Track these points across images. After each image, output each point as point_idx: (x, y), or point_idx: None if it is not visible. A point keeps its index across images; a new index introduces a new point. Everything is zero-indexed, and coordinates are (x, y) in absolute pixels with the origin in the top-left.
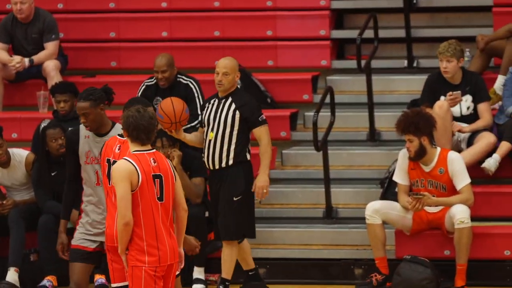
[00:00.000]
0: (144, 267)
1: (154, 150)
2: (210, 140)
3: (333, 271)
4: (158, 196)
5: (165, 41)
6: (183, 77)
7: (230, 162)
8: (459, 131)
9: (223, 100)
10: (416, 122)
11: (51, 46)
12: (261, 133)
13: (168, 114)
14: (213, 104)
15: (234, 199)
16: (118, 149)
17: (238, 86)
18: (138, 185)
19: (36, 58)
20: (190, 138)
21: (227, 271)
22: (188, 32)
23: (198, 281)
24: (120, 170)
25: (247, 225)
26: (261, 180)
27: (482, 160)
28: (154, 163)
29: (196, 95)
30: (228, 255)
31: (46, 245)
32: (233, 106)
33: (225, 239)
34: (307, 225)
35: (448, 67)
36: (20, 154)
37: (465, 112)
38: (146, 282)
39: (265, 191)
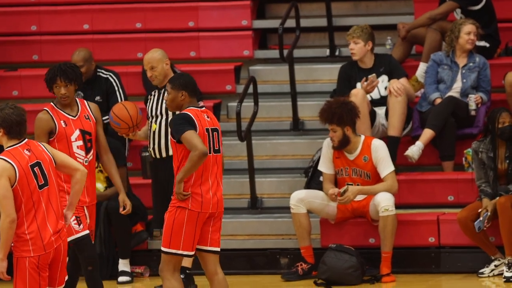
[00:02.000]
0: (29, 257)
1: (26, 140)
2: (154, 131)
3: (259, 261)
4: (42, 183)
5: (87, 33)
6: (103, 71)
7: (170, 152)
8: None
9: (163, 90)
10: (339, 113)
11: None
12: None
13: (124, 119)
14: (153, 96)
15: None
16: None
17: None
18: (16, 181)
19: None
20: (140, 134)
21: (188, 259)
22: (110, 24)
23: (124, 273)
24: None
25: None
26: None
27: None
28: (29, 152)
29: (116, 88)
30: None
31: None
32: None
33: None
34: (232, 216)
35: (354, 49)
36: None
37: (383, 93)
38: (30, 274)
39: None
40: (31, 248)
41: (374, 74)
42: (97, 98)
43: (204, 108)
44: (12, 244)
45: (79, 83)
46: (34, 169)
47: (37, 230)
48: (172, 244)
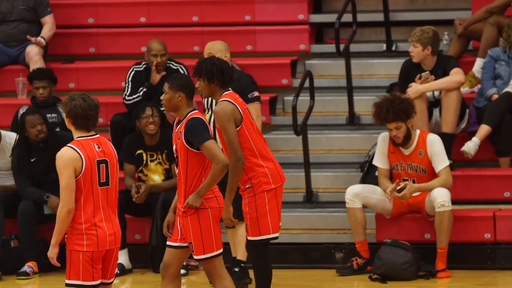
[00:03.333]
0: (82, 252)
1: (98, 135)
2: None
3: (313, 255)
4: (103, 181)
5: (144, 26)
6: (173, 62)
7: None
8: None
9: None
10: (404, 108)
11: (49, 19)
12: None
13: None
14: None
15: None
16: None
17: (236, 67)
18: (81, 172)
19: (45, 35)
20: None
21: (242, 253)
22: (167, 17)
23: None
24: (62, 159)
25: None
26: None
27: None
28: (99, 148)
29: None
30: (242, 236)
31: (26, 231)
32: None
33: (238, 219)
34: (287, 209)
35: (413, 52)
36: (10, 137)
37: (437, 95)
38: (83, 267)
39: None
40: (85, 243)
41: (428, 72)
42: None
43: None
44: (66, 236)
45: None
46: (100, 165)
47: (93, 226)
48: (207, 249)
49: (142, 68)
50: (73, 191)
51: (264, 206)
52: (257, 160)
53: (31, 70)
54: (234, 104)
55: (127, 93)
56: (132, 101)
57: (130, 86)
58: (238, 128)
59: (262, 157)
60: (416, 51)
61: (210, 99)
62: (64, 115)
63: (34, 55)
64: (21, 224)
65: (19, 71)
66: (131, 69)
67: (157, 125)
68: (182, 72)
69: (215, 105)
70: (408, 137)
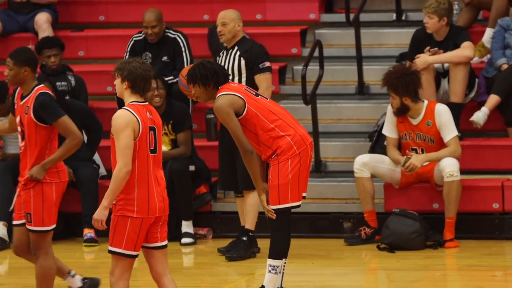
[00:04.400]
0: (131, 218)
1: (147, 103)
2: None
3: (322, 224)
4: (152, 149)
5: None
6: (171, 31)
7: None
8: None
9: (230, 50)
10: (395, 84)
11: None
12: (259, 80)
13: None
14: (221, 56)
15: None
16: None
17: (247, 37)
18: (138, 136)
19: None
20: None
21: (251, 222)
22: None
23: (187, 235)
24: (122, 119)
25: None
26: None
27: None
28: (150, 115)
29: (183, 49)
30: (250, 205)
31: None
32: (238, 53)
33: (246, 189)
34: None
35: (428, 23)
36: None
37: (446, 66)
38: (128, 235)
39: None
40: (136, 209)
41: (436, 49)
42: (164, 58)
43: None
44: (114, 202)
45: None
46: (151, 132)
47: (145, 192)
48: (46, 222)
49: (141, 38)
50: (132, 152)
51: (286, 175)
52: (277, 132)
53: (39, 38)
54: (230, 94)
55: None
56: None
57: (127, 56)
58: (245, 112)
59: (281, 127)
60: (432, 22)
61: (230, 64)
62: (118, 79)
63: (43, 23)
64: None
65: (28, 39)
66: (130, 39)
67: (162, 97)
68: (178, 40)
69: (237, 69)
70: (403, 111)
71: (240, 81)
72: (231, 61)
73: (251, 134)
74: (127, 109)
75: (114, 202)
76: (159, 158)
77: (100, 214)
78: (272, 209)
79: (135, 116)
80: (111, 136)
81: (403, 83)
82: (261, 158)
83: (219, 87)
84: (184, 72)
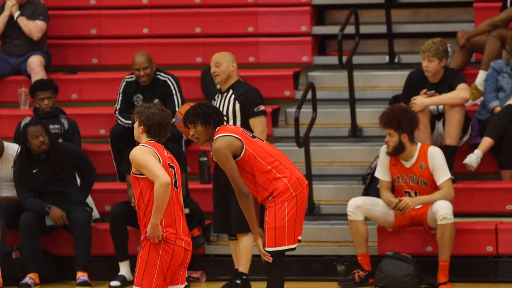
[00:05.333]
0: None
1: (163, 146)
2: None
3: (315, 267)
4: (174, 183)
5: (146, 37)
6: (162, 73)
7: None
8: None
9: (225, 94)
10: (399, 118)
11: (40, 23)
12: (254, 124)
13: None
14: (216, 100)
15: None
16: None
17: (240, 80)
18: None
19: (24, 20)
20: None
21: (244, 265)
22: (169, 28)
23: None
24: (141, 149)
25: None
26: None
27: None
28: (167, 154)
29: (174, 92)
30: (244, 248)
31: (27, 242)
32: (233, 97)
33: (240, 232)
34: None
35: (429, 66)
36: (13, 148)
37: (441, 108)
38: (158, 276)
39: None
40: (161, 253)
41: (433, 92)
42: (156, 100)
43: None
44: (143, 237)
45: None
46: (170, 169)
47: (173, 235)
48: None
49: (133, 79)
50: (161, 165)
51: (283, 217)
52: (274, 174)
53: (32, 81)
54: (228, 135)
55: (118, 106)
56: (126, 125)
57: (120, 98)
58: (243, 153)
59: (278, 169)
60: (432, 66)
61: (224, 107)
62: (136, 123)
63: (36, 66)
64: (23, 235)
65: (21, 82)
66: (123, 80)
67: None
68: (169, 83)
69: (232, 112)
70: (399, 149)
71: (235, 124)
72: (226, 104)
73: (249, 176)
74: (143, 145)
75: (143, 238)
76: (178, 195)
77: (154, 232)
78: (268, 251)
79: (153, 150)
80: (132, 176)
81: (406, 118)
82: (257, 201)
83: (218, 128)
84: (182, 109)
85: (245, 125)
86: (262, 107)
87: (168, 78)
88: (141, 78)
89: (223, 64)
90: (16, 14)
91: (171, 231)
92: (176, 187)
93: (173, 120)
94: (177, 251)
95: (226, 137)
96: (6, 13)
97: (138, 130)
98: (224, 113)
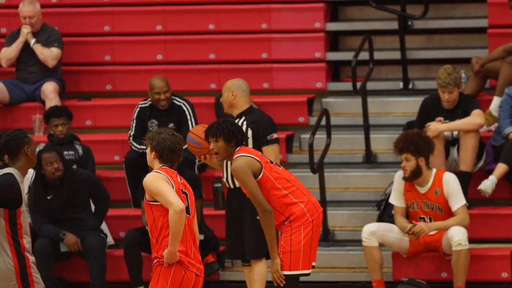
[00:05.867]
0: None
1: (176, 172)
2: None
3: None
4: (186, 209)
5: (160, 64)
6: (177, 98)
7: None
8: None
9: (237, 120)
10: (416, 142)
11: (55, 50)
12: (267, 152)
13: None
14: None
15: (257, 217)
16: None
17: (254, 106)
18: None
19: (39, 47)
20: (215, 161)
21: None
22: (183, 55)
23: None
24: (154, 176)
25: None
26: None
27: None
28: (180, 180)
29: (189, 117)
30: (258, 274)
31: (42, 268)
32: (245, 123)
33: (254, 257)
34: None
35: (450, 98)
36: (29, 173)
37: (456, 134)
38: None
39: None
40: (171, 279)
41: (447, 120)
42: (171, 125)
43: None
44: (155, 262)
45: None
46: (183, 195)
47: (185, 250)
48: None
49: (147, 105)
50: (175, 192)
51: (299, 242)
52: (290, 199)
53: (46, 107)
54: (249, 156)
55: (132, 132)
56: (141, 151)
57: (134, 124)
58: (261, 176)
59: (294, 194)
60: (454, 96)
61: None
62: (148, 149)
63: (50, 93)
64: (37, 261)
65: (35, 108)
66: (136, 106)
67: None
68: (184, 109)
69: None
70: (416, 174)
71: None
72: None
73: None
74: (157, 171)
75: (154, 261)
76: (193, 221)
77: (171, 259)
78: (284, 275)
79: (166, 176)
80: (146, 203)
81: (423, 141)
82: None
83: (238, 148)
84: (196, 130)
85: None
86: (275, 135)
87: (184, 104)
88: (161, 102)
89: (224, 93)
90: (32, 41)
91: (183, 256)
92: (189, 214)
93: (185, 145)
94: (188, 276)
95: (246, 157)
96: (21, 39)
97: (150, 156)
98: None
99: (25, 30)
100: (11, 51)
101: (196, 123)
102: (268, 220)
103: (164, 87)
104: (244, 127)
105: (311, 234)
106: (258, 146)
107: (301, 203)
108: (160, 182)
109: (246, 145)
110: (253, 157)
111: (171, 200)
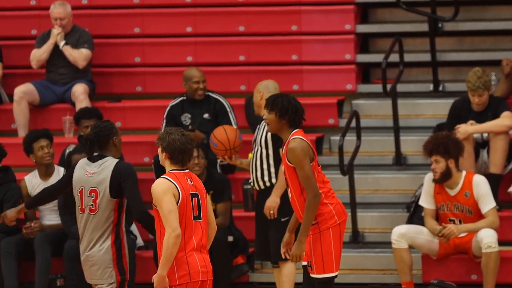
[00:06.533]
0: (175, 286)
1: (188, 170)
2: (250, 161)
3: None
4: (196, 215)
5: (190, 65)
6: (212, 92)
7: (268, 183)
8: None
9: (262, 122)
10: (446, 144)
11: (85, 51)
12: None
13: (222, 141)
14: (259, 126)
15: (282, 220)
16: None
17: None
18: (179, 202)
19: (69, 49)
20: (242, 162)
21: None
22: (213, 56)
23: None
24: (160, 186)
25: None
26: (270, 200)
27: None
28: (191, 182)
29: (228, 110)
30: (286, 275)
31: (72, 270)
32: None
33: (280, 259)
34: None
35: (480, 101)
36: (62, 170)
37: (485, 136)
38: None
39: (272, 212)
40: (177, 275)
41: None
42: (206, 115)
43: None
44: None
45: None
46: (193, 199)
47: (184, 257)
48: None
49: (177, 102)
50: (177, 215)
51: (329, 243)
52: (322, 198)
53: (77, 109)
54: (307, 142)
55: None
56: None
57: (164, 124)
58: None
59: (326, 194)
60: (484, 99)
61: (259, 135)
62: (160, 149)
63: (80, 94)
64: (67, 262)
65: (66, 110)
66: (167, 106)
67: (202, 166)
68: (222, 102)
69: (264, 141)
70: (446, 176)
71: (267, 154)
72: (261, 132)
73: (299, 190)
74: (165, 177)
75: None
76: (204, 224)
77: (160, 284)
78: (318, 278)
79: (174, 183)
80: (153, 208)
81: (453, 143)
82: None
83: (291, 127)
84: (215, 131)
85: (276, 155)
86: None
87: (220, 98)
88: (199, 91)
89: (254, 94)
90: (62, 43)
91: (183, 260)
92: (200, 218)
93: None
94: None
95: (305, 142)
96: (51, 41)
97: (161, 156)
98: (258, 140)
99: (56, 31)
100: (42, 52)
101: (235, 117)
102: (315, 206)
103: (202, 77)
104: (265, 129)
105: (338, 236)
106: (276, 148)
107: (330, 204)
108: (164, 197)
109: (260, 152)
110: (309, 145)
111: (170, 223)
